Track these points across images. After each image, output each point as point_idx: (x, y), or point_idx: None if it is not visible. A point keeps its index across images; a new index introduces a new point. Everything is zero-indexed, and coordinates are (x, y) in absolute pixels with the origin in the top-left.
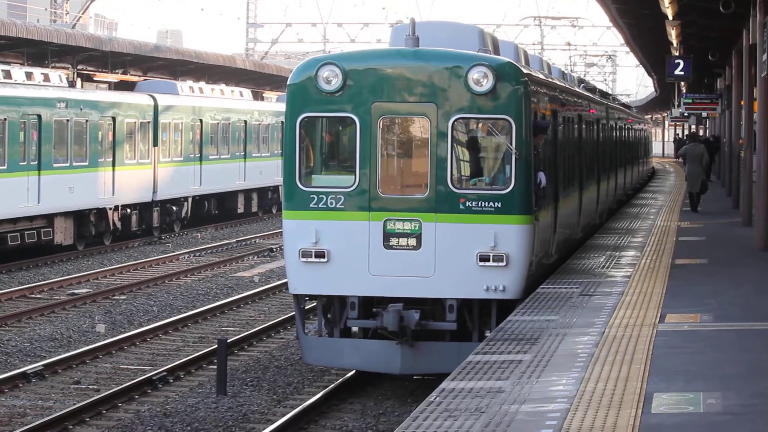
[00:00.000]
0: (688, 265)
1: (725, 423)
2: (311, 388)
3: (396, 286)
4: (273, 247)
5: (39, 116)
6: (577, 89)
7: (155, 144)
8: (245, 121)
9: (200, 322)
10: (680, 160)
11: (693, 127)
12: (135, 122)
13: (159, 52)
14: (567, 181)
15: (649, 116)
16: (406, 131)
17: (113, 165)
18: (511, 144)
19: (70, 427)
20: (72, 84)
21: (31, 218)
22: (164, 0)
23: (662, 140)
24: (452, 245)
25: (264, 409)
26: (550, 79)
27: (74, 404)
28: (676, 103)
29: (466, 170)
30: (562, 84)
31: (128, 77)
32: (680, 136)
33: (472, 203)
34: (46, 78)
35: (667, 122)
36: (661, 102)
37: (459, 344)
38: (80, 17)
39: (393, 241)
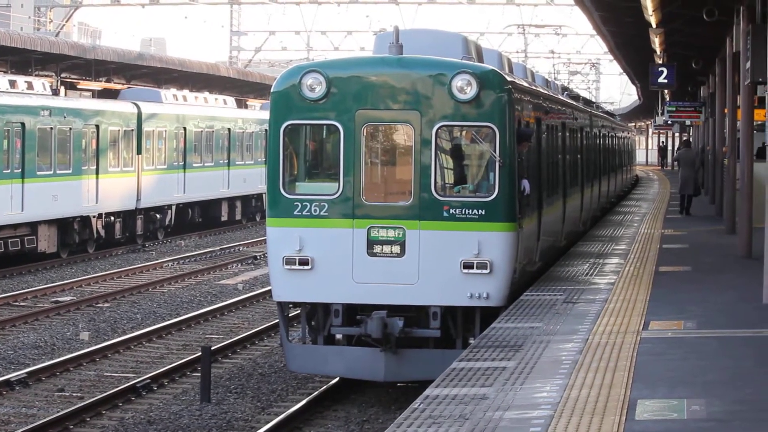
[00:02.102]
0: (672, 273)
1: (709, 429)
2: (295, 395)
3: (380, 293)
4: (257, 254)
5: (23, 124)
6: (560, 97)
7: (139, 152)
8: (229, 129)
9: (184, 330)
10: (675, 164)
11: (679, 134)
12: (119, 130)
13: (143, 60)
14: (551, 189)
15: (633, 124)
16: (390, 139)
17: (97, 173)
18: (495, 151)
19: None
20: (56, 92)
21: (14, 226)
22: (148, 8)
23: (646, 148)
24: (436, 252)
25: (248, 416)
26: (533, 87)
27: (58, 412)
28: (660, 111)
29: (449, 178)
30: (546, 92)
31: (112, 85)
32: (664, 143)
33: (455, 210)
34: (30, 86)
35: (650, 130)
36: (644, 110)
37: (443, 351)
38: (64, 25)
39: (377, 249)
